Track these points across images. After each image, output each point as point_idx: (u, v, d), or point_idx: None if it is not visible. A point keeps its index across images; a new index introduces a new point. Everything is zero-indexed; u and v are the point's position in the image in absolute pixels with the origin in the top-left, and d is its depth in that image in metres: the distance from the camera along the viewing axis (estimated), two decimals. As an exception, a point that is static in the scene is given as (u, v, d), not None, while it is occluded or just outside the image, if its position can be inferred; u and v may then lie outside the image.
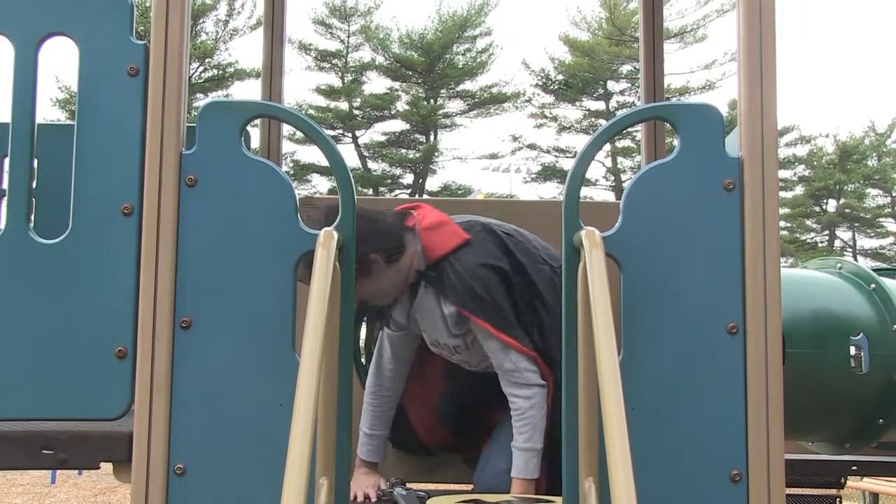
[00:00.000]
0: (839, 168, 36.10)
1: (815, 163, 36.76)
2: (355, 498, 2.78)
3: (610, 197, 32.99)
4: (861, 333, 3.10)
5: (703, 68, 34.73)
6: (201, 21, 33.15)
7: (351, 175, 2.25)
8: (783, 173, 35.55)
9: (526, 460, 2.65)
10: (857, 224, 36.74)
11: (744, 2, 2.20)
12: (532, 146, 35.55)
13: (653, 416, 2.10)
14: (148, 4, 28.28)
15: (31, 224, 2.23)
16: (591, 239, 2.02)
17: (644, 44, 3.76)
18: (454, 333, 2.79)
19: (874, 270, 3.41)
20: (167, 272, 2.12)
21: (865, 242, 37.22)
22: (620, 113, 2.62)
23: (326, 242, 2.05)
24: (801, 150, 36.90)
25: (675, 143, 2.20)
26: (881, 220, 36.81)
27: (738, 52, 2.23)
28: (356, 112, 34.51)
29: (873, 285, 3.22)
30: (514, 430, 2.69)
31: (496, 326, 2.67)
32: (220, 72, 34.04)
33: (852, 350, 3.14)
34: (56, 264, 2.18)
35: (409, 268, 2.73)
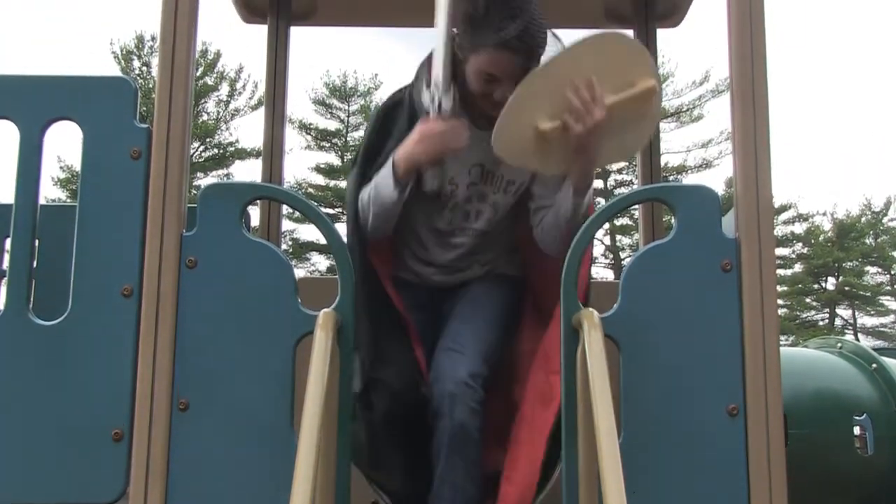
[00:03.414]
0: (837, 246, 36.27)
1: (812, 241, 36.95)
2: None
3: (609, 275, 33.04)
4: (865, 414, 3.08)
5: (699, 147, 35.12)
6: (203, 101, 33.61)
7: (349, 255, 2.26)
8: (782, 251, 35.72)
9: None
10: (857, 302, 36.75)
11: (737, 83, 2.23)
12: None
13: (654, 501, 2.07)
14: (151, 85, 28.70)
15: (31, 305, 2.23)
16: (589, 320, 2.02)
17: (641, 124, 3.80)
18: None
19: (875, 350, 3.41)
20: (165, 354, 2.12)
21: (866, 321, 37.21)
22: (619, 192, 2.63)
23: (326, 324, 2.05)
24: (799, 228, 37.13)
25: (673, 221, 2.21)
26: (881, 298, 36.81)
27: (732, 133, 2.25)
28: (356, 191, 34.67)
29: (874, 365, 3.22)
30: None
31: None
32: (221, 151, 34.41)
33: (856, 430, 3.12)
34: (54, 346, 2.18)
35: None
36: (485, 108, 2.60)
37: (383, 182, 2.62)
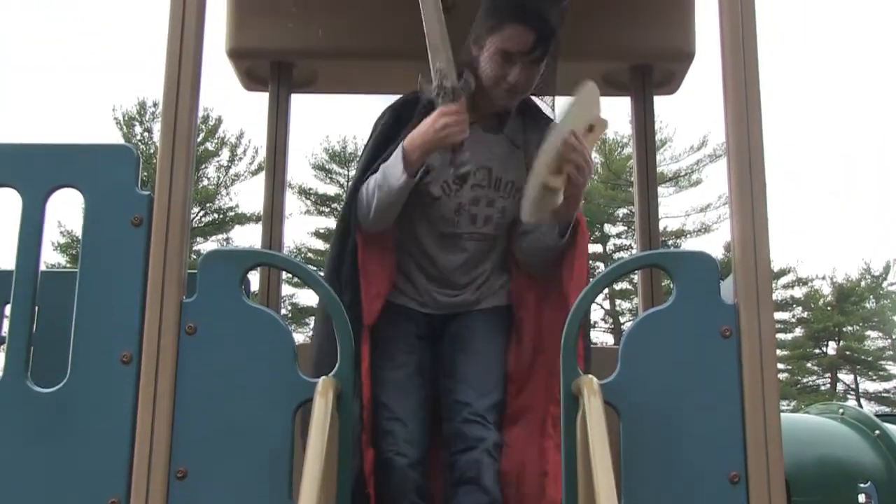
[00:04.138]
0: (837, 310, 36.20)
1: (812, 305, 36.89)
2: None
3: (609, 339, 32.95)
4: (869, 482, 3.05)
5: (698, 211, 35.26)
6: (204, 167, 33.83)
7: (348, 321, 2.26)
8: (782, 315, 35.65)
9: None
10: (858, 367, 36.57)
11: (734, 148, 2.25)
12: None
13: (657, 570, 2.05)
14: (152, 151, 28.93)
15: (29, 372, 2.22)
16: (589, 387, 2.02)
17: (639, 189, 3.83)
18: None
19: (878, 416, 3.39)
20: (164, 421, 2.10)
21: (868, 386, 36.97)
22: (618, 257, 2.65)
23: (325, 391, 2.05)
24: (799, 292, 37.10)
25: (672, 286, 2.22)
26: (883, 363, 36.64)
27: (729, 198, 2.27)
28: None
29: (877, 432, 3.20)
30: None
31: None
32: (221, 216, 34.56)
33: (861, 498, 3.09)
34: (52, 413, 2.16)
35: None
36: (497, 96, 2.69)
37: (392, 168, 2.62)
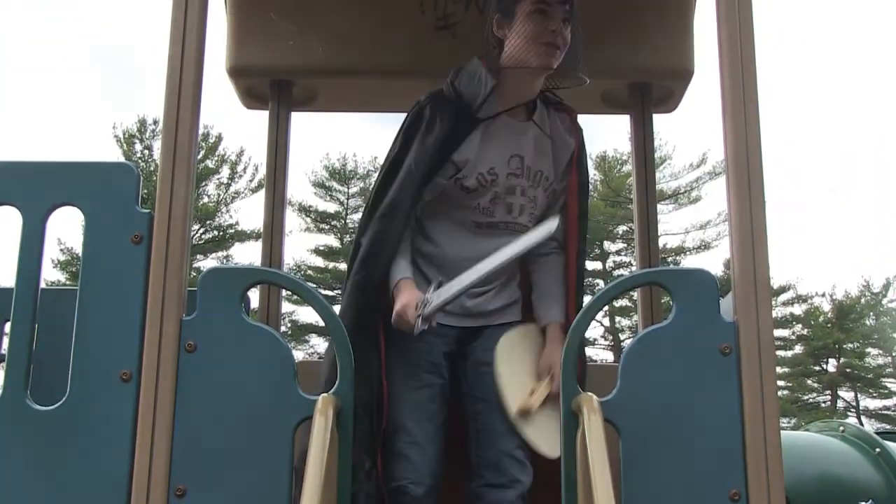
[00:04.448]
0: (837, 327, 36.15)
1: (812, 322, 36.84)
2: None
3: (609, 356, 32.91)
4: (870, 500, 3.05)
5: (697, 229, 35.28)
6: (204, 184, 33.86)
7: (348, 338, 2.25)
8: (781, 332, 35.61)
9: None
10: (859, 384, 36.48)
11: (733, 165, 2.26)
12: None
13: (657, 589, 2.04)
14: (152, 168, 28.97)
15: (28, 391, 2.22)
16: (589, 405, 2.02)
17: (638, 206, 3.83)
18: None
19: (878, 433, 3.38)
20: (163, 439, 2.10)
21: (869, 403, 36.87)
22: (617, 274, 2.66)
23: (325, 409, 2.05)
24: (799, 310, 37.06)
25: (672, 303, 2.22)
26: (883, 380, 36.56)
27: (728, 215, 2.27)
28: (355, 272, 34.71)
29: (878, 449, 3.19)
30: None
31: None
32: (221, 233, 34.56)
33: (861, 516, 3.08)
34: (52, 431, 2.16)
35: None
36: (537, 57, 2.71)
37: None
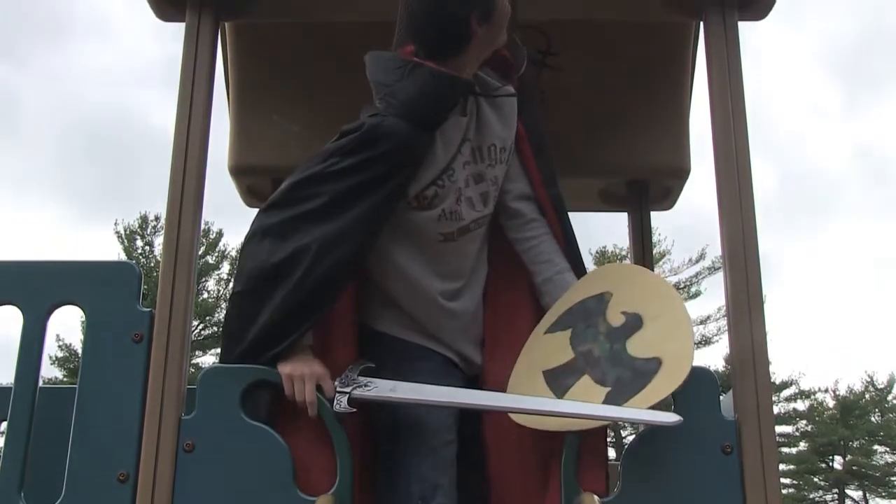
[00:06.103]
0: (841, 423, 35.81)
1: (816, 418, 36.51)
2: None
3: (611, 453, 32.49)
4: None
5: (698, 324, 35.17)
6: (204, 280, 33.90)
7: (345, 434, 2.23)
8: (785, 429, 35.27)
9: None
10: (866, 483, 35.96)
11: (730, 263, 2.28)
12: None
13: None
14: (153, 264, 29.06)
15: (23, 493, 2.19)
16: (591, 506, 2.00)
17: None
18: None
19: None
20: (160, 541, 2.07)
21: (879, 502, 36.28)
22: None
23: (323, 510, 2.02)
24: (802, 405, 36.77)
25: (672, 400, 2.21)
26: (892, 478, 36.04)
27: (727, 311, 2.28)
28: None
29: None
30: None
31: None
32: (221, 329, 34.43)
33: None
34: (47, 534, 2.13)
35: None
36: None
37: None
